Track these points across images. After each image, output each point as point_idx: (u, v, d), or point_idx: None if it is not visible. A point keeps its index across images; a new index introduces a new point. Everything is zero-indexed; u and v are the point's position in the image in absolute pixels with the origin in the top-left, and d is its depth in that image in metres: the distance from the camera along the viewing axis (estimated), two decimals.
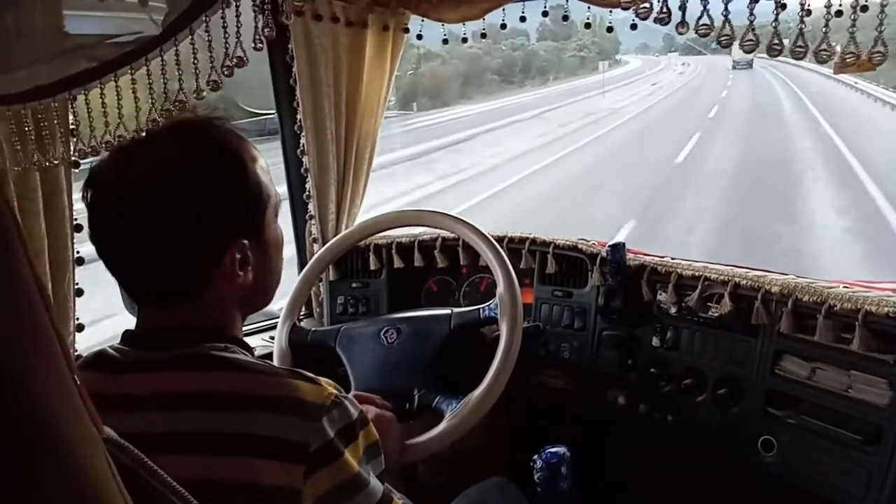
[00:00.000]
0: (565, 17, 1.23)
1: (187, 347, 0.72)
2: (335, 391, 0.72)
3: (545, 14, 1.23)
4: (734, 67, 30.04)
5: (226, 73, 0.95)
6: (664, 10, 0.63)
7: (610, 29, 1.23)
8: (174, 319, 0.74)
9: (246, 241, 0.75)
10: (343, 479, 0.68)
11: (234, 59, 0.93)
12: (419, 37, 1.59)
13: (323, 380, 0.72)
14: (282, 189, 1.77)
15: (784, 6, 0.74)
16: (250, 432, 0.66)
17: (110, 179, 0.74)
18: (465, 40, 1.50)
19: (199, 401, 0.68)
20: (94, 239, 0.75)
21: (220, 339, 0.74)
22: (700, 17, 0.66)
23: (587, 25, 1.27)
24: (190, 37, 0.94)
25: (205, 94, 0.96)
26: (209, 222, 0.73)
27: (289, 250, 1.80)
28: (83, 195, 0.75)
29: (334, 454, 0.68)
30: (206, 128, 0.79)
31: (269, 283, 0.82)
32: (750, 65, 29.20)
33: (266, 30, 0.95)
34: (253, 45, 0.95)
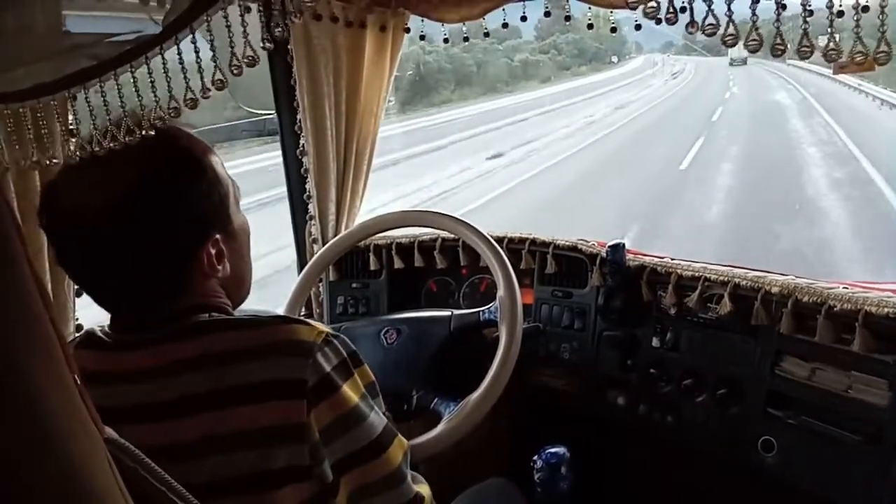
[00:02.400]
0: (567, 18, 1.23)
1: (174, 323, 0.73)
2: (326, 330, 0.74)
3: (547, 14, 1.23)
4: (731, 64, 32.24)
5: (234, 72, 0.95)
6: (671, 9, 0.63)
7: (613, 29, 1.22)
8: (158, 307, 0.75)
9: (218, 235, 0.76)
10: (342, 412, 0.70)
11: (246, 59, 0.93)
12: (422, 37, 1.59)
13: (313, 321, 0.75)
14: (282, 190, 1.78)
15: (784, 6, 0.74)
16: (253, 380, 0.68)
17: (68, 201, 0.73)
18: (461, 39, 1.49)
19: (199, 363, 0.70)
20: (61, 262, 0.74)
21: (205, 310, 0.76)
22: (706, 17, 0.66)
23: (590, 26, 1.26)
24: (191, 35, 0.94)
25: (210, 92, 0.96)
26: (179, 226, 0.73)
27: (289, 251, 1.82)
28: (40, 220, 0.74)
29: (332, 387, 0.70)
30: (157, 132, 0.78)
31: (244, 271, 0.84)
32: (744, 62, 31.58)
33: (277, 30, 0.95)
34: (262, 44, 0.95)
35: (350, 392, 0.71)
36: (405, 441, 0.77)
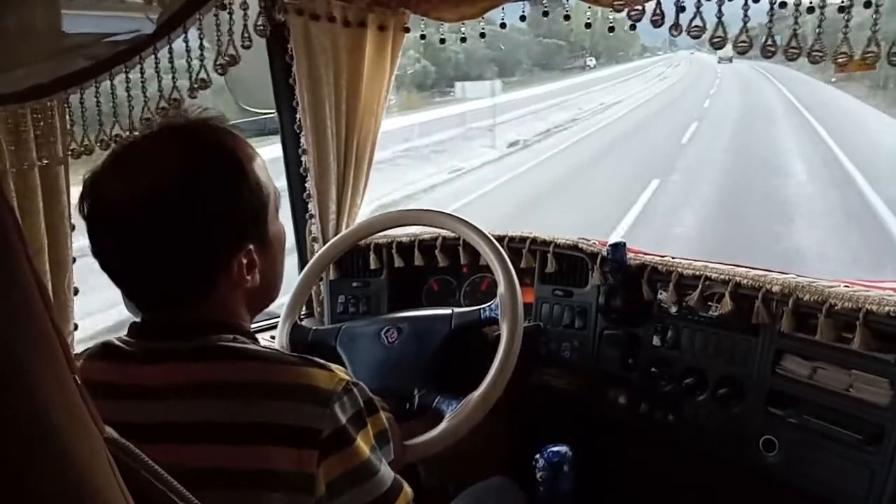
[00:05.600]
0: (567, 17, 1.23)
1: (196, 339, 0.72)
2: (346, 377, 0.72)
3: (545, 14, 1.23)
4: (720, 62, 32.45)
5: (219, 71, 0.95)
6: (658, 11, 0.63)
7: (611, 28, 1.22)
8: (181, 316, 0.74)
9: (252, 245, 0.75)
10: (354, 465, 0.69)
11: (227, 58, 0.93)
12: (422, 37, 1.58)
13: (334, 366, 0.73)
14: (281, 187, 1.78)
15: (784, 4, 0.74)
16: (264, 420, 0.67)
17: (108, 192, 0.72)
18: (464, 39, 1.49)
19: (211, 390, 0.69)
20: (95, 252, 0.73)
21: (227, 330, 0.74)
22: (693, 19, 0.66)
23: (587, 25, 1.26)
24: (184, 35, 0.94)
25: (197, 93, 0.96)
26: (214, 232, 0.72)
27: (288, 246, 1.81)
28: (80, 208, 0.74)
29: (346, 440, 0.68)
30: (203, 131, 0.77)
31: (274, 280, 0.83)
32: (730, 60, 31.58)
33: (259, 28, 0.95)
34: (241, 43, 0.95)
35: (362, 444, 0.70)
36: (409, 491, 0.76)
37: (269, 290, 0.82)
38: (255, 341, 0.77)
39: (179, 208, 0.70)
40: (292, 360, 0.73)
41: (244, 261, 0.74)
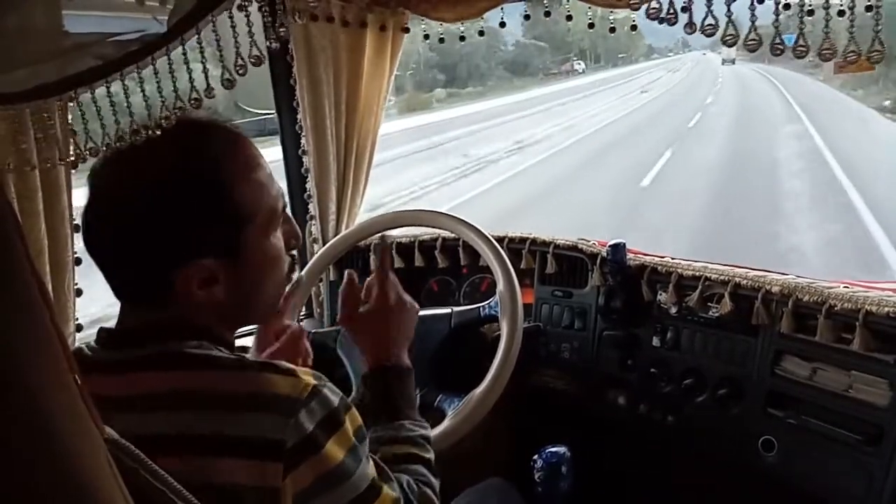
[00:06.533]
0: (569, 17, 1.22)
1: (160, 345, 0.69)
2: (313, 381, 0.67)
3: (548, 14, 1.22)
4: (723, 63, 33.25)
5: (240, 72, 0.95)
6: (671, 10, 0.63)
7: (612, 30, 1.21)
8: (147, 318, 0.71)
9: (211, 261, 0.70)
10: (324, 472, 0.65)
11: (253, 59, 0.93)
12: (426, 37, 1.58)
13: (300, 370, 0.68)
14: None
15: (788, 6, 0.74)
16: (225, 433, 0.63)
17: (98, 179, 0.74)
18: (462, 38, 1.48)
19: (170, 401, 0.65)
20: (83, 230, 0.74)
21: (194, 335, 0.70)
22: (705, 18, 0.67)
23: (590, 25, 1.25)
24: (197, 36, 0.94)
25: (215, 92, 0.96)
26: (162, 238, 0.69)
27: None
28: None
29: (314, 448, 0.65)
30: (182, 134, 0.75)
31: (252, 300, 0.76)
32: (733, 62, 32.58)
33: (282, 30, 0.96)
34: (267, 43, 0.95)
35: (335, 448, 0.66)
36: (393, 493, 0.72)
37: (243, 309, 0.77)
38: (227, 346, 0.73)
39: (133, 206, 0.69)
40: (254, 367, 0.68)
41: (198, 275, 0.70)
